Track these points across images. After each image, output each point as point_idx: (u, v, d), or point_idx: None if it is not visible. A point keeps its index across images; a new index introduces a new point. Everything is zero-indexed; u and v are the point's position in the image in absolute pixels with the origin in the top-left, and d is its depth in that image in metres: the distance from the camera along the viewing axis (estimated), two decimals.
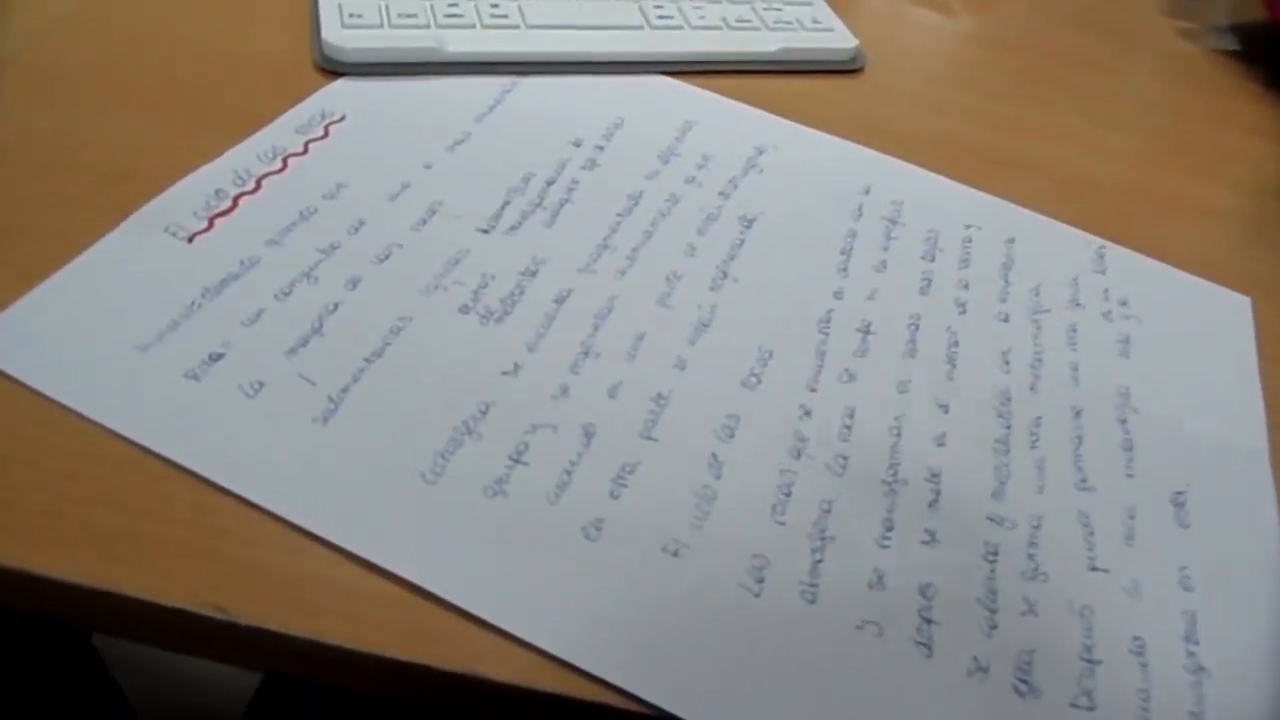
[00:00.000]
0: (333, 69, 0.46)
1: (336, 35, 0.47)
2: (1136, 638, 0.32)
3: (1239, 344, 0.44)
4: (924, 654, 0.30)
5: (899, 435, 0.36)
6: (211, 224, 0.38)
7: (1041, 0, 0.68)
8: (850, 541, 0.32)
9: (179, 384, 0.32)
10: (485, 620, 0.29)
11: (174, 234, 0.37)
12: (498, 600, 0.29)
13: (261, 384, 0.33)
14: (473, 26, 0.49)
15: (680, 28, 0.52)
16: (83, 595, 0.28)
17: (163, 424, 0.31)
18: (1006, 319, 0.42)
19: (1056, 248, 0.46)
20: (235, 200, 0.39)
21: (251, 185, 0.40)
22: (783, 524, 0.33)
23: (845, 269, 0.42)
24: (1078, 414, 0.38)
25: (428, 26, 0.48)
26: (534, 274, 0.39)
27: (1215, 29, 0.68)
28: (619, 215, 0.42)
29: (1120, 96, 0.60)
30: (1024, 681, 0.30)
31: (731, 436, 0.35)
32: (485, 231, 0.40)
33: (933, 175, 0.49)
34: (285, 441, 0.32)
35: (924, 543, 0.33)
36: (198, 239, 0.37)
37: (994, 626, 0.31)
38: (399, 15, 0.48)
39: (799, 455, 0.35)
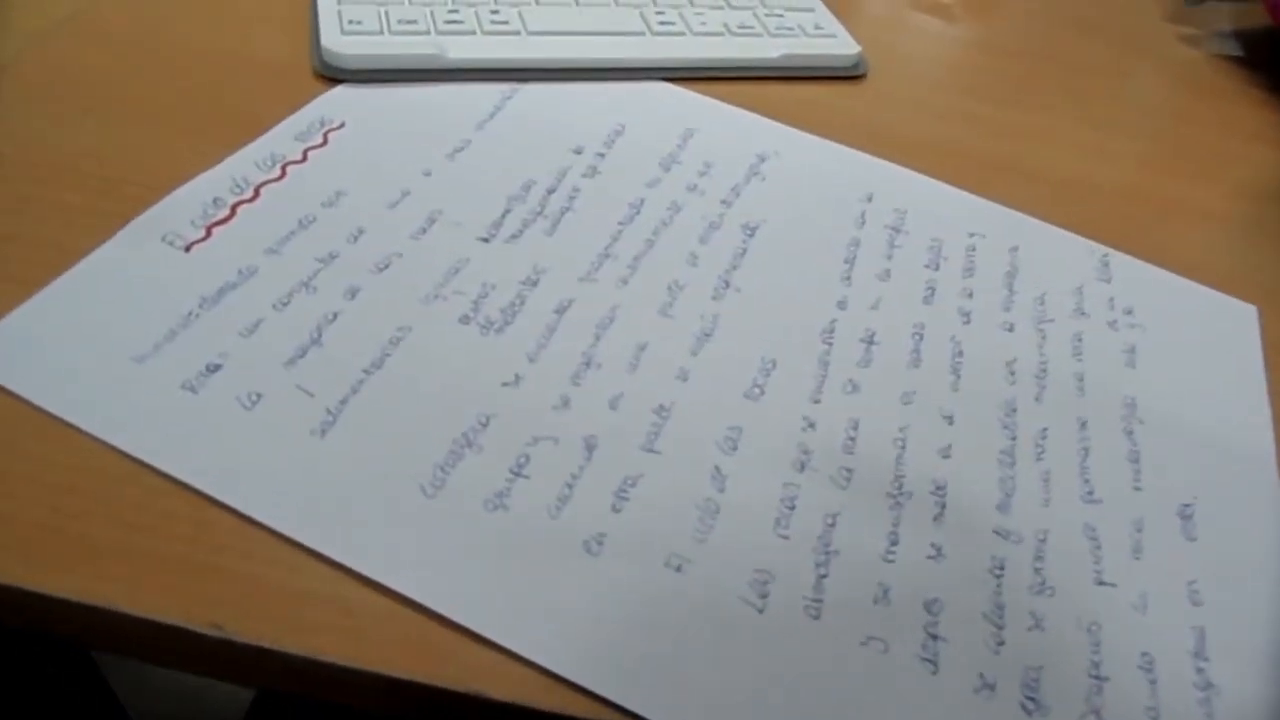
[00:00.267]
0: (332, 75, 0.46)
1: (336, 42, 0.46)
2: (1145, 654, 0.31)
3: (1245, 353, 0.43)
4: (930, 670, 0.30)
5: (903, 447, 0.36)
6: (209, 233, 0.38)
7: (1042, 5, 0.68)
8: (855, 556, 0.32)
9: (176, 396, 0.32)
10: (486, 637, 0.28)
11: (171, 243, 0.37)
12: (498, 616, 0.29)
13: (259, 396, 0.33)
14: (473, 33, 0.49)
15: (682, 34, 0.52)
16: (79, 611, 0.28)
17: (159, 437, 0.31)
18: (1011, 328, 0.41)
19: (1060, 255, 0.46)
20: (233, 209, 0.39)
21: (250, 193, 0.39)
22: (786, 538, 0.32)
23: (848, 278, 0.42)
24: (1083, 425, 0.38)
25: (428, 33, 0.48)
26: (535, 283, 0.38)
27: (1217, 34, 0.68)
28: (620, 224, 0.42)
29: (1123, 102, 0.59)
30: (1031, 699, 0.30)
31: (734, 449, 0.34)
32: (485, 240, 0.40)
33: (936, 182, 0.48)
34: (283, 454, 0.31)
35: (929, 557, 0.33)
36: (195, 248, 0.37)
37: (1001, 643, 0.31)
38: (399, 22, 0.48)
39: (802, 468, 0.34)
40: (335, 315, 0.36)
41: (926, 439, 0.36)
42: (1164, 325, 0.43)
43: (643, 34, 0.51)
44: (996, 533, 0.34)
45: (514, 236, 0.40)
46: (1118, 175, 0.52)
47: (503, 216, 0.41)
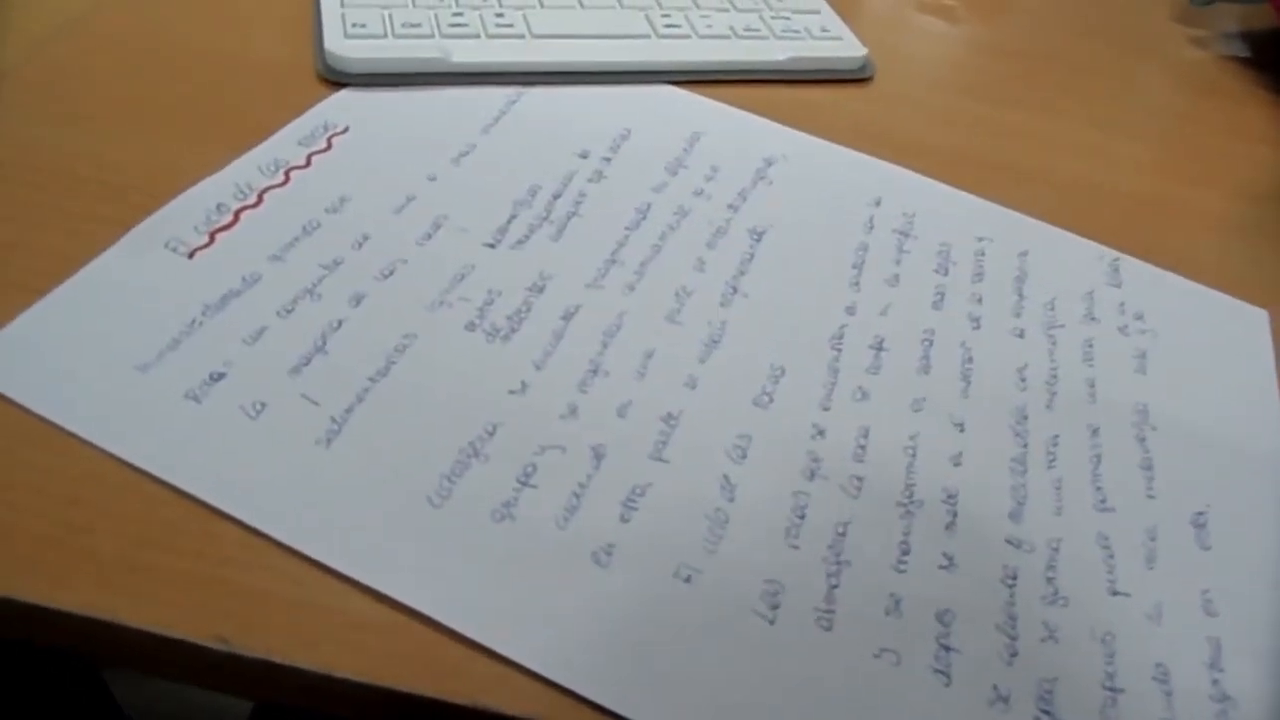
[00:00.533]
0: (336, 79, 0.46)
1: (339, 45, 0.46)
2: (1159, 665, 0.31)
3: (1257, 358, 0.43)
4: (943, 682, 0.29)
5: (914, 455, 0.35)
6: (213, 239, 0.37)
7: (1047, 6, 0.68)
8: (866, 566, 0.32)
9: (179, 405, 0.32)
10: (493, 649, 0.28)
11: (174, 249, 0.37)
12: (505, 628, 0.28)
13: (264, 405, 0.32)
14: (477, 36, 0.48)
15: (688, 37, 0.52)
16: (82, 625, 0.27)
17: (163, 447, 0.31)
18: (1021, 334, 0.41)
19: (1070, 260, 0.45)
20: (237, 214, 0.38)
21: (253, 199, 0.39)
22: (797, 548, 0.32)
23: (857, 283, 0.42)
24: (1095, 432, 0.38)
25: (432, 36, 0.48)
26: (541, 289, 0.38)
27: (1225, 35, 0.68)
28: (627, 229, 0.42)
29: (1130, 104, 0.59)
30: (1046, 712, 0.29)
31: (744, 457, 0.34)
32: (491, 246, 0.39)
33: (943, 186, 0.48)
34: (288, 464, 0.31)
35: (941, 567, 0.32)
36: (198, 254, 0.37)
37: (1014, 654, 0.30)
38: (403, 25, 0.48)
39: (812, 476, 0.34)
40: (340, 323, 0.35)
41: (937, 447, 0.36)
42: (1175, 330, 0.43)
43: (648, 37, 0.51)
44: (1009, 542, 0.33)
45: (520, 242, 0.40)
46: (1126, 178, 0.52)
47: (508, 222, 0.41)
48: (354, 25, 0.47)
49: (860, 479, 0.34)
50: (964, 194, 0.48)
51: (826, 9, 0.56)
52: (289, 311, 0.35)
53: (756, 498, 0.33)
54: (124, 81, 0.44)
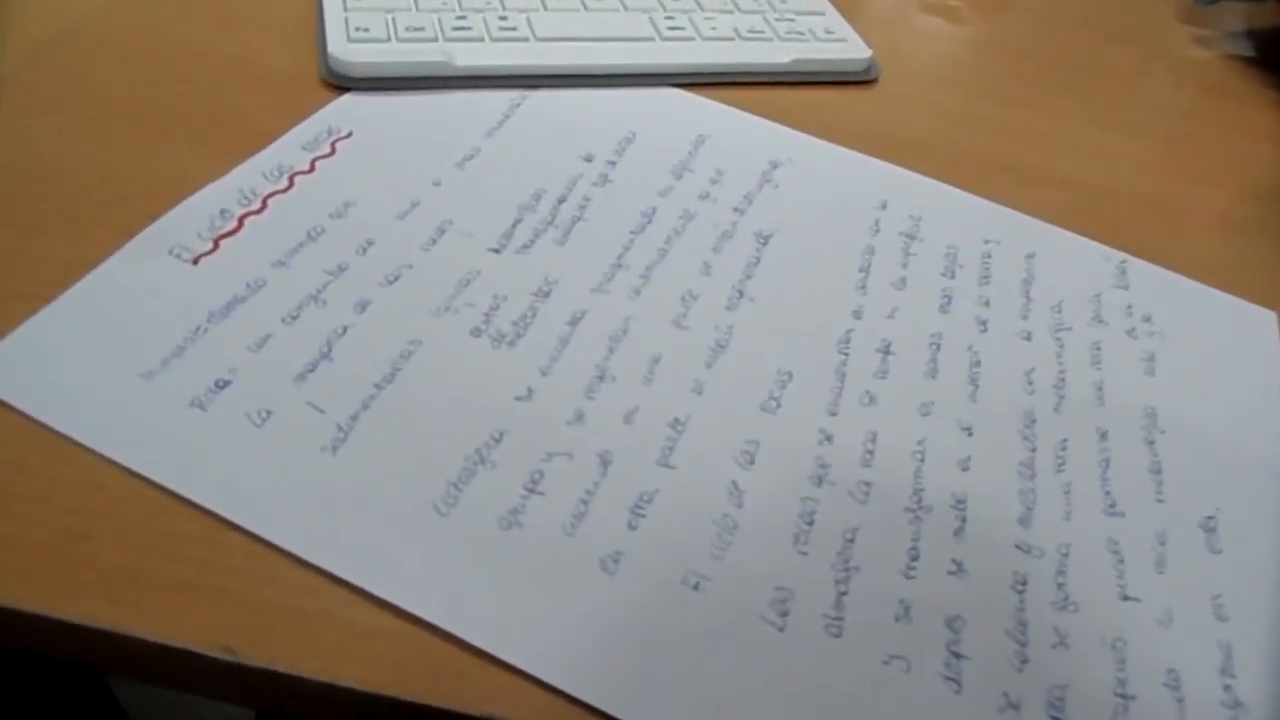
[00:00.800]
0: (339, 83, 0.46)
1: (343, 49, 0.46)
2: (1171, 671, 0.31)
3: (1265, 359, 0.43)
4: (953, 690, 0.29)
5: (922, 460, 0.35)
6: (217, 245, 0.37)
7: (1051, 6, 0.67)
8: (875, 572, 0.32)
9: (184, 413, 0.32)
10: (501, 658, 0.28)
11: (178, 256, 0.36)
12: (513, 637, 0.28)
13: (269, 412, 0.32)
14: (481, 39, 0.48)
15: (692, 39, 0.51)
16: (86, 635, 0.27)
17: (168, 455, 0.30)
18: (1029, 337, 0.41)
19: (1077, 262, 0.45)
20: (241, 220, 0.38)
21: (258, 205, 0.39)
22: (805, 554, 0.32)
23: (864, 287, 0.41)
24: (1104, 436, 0.38)
25: (435, 40, 0.47)
26: (547, 295, 0.38)
27: (1230, 34, 0.67)
28: (632, 233, 0.41)
29: (1135, 104, 0.59)
30: (1057, 719, 0.29)
31: (751, 463, 0.34)
32: (496, 251, 0.39)
33: (949, 188, 0.48)
34: (294, 472, 0.31)
35: (951, 573, 0.32)
36: (203, 261, 0.36)
37: (1024, 660, 0.30)
38: (406, 29, 0.48)
39: (820, 482, 0.34)
40: (345, 329, 0.35)
41: (945, 451, 0.36)
42: (1183, 332, 0.43)
43: (652, 39, 0.51)
44: (1018, 547, 0.33)
45: (525, 247, 0.40)
46: (1132, 179, 0.52)
47: (513, 226, 0.40)
48: (357, 29, 0.47)
49: (868, 484, 0.34)
50: (970, 196, 0.47)
51: (831, 10, 0.56)
52: (294, 318, 0.35)
53: (764, 504, 0.33)
54: (127, 87, 0.44)
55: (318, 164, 0.41)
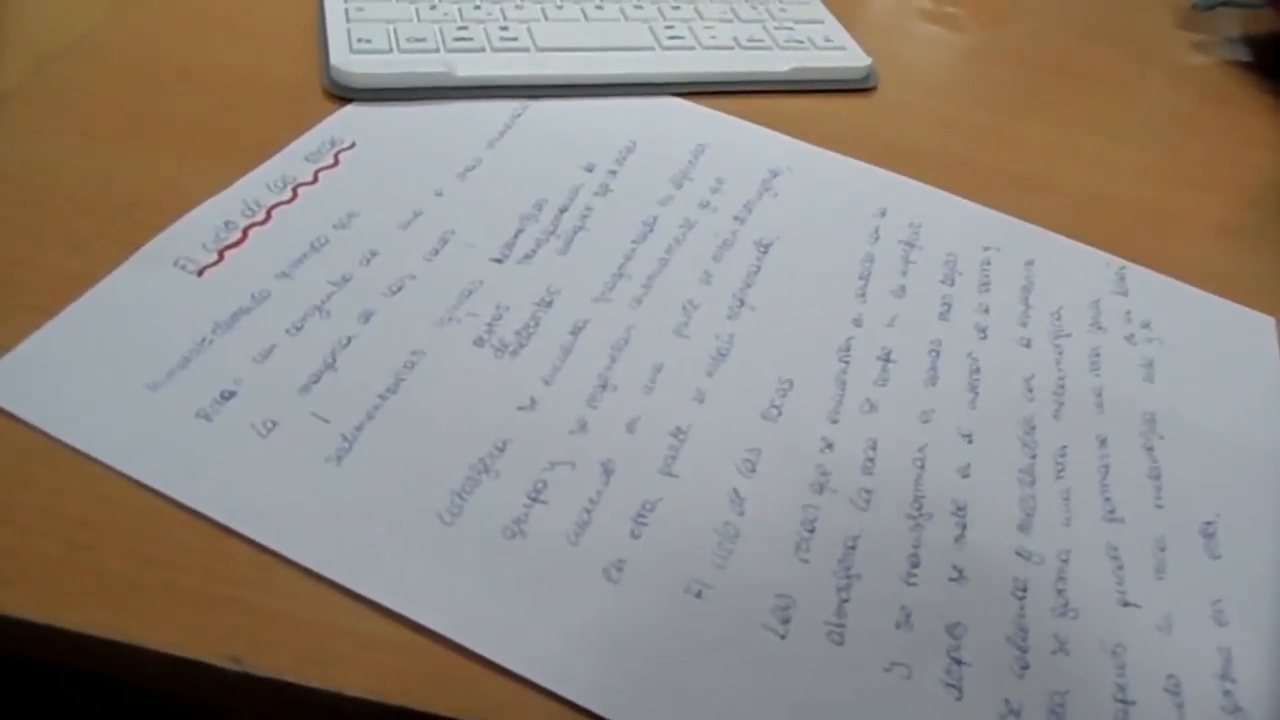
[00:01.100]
0: (342, 94, 0.46)
1: (345, 60, 0.46)
2: (1171, 676, 0.31)
3: (1264, 365, 0.43)
4: (954, 696, 0.29)
5: (922, 467, 0.35)
6: (221, 256, 0.37)
7: (1050, 13, 0.68)
8: (876, 579, 0.32)
9: (190, 424, 0.32)
10: (505, 667, 0.28)
11: (183, 267, 0.37)
12: (518, 646, 0.28)
13: (274, 423, 0.32)
14: (482, 50, 0.49)
15: (692, 48, 0.52)
16: (94, 646, 0.27)
17: (174, 466, 0.31)
18: (1028, 344, 0.41)
19: (1076, 269, 0.45)
20: (245, 232, 0.38)
21: (261, 216, 0.39)
22: (807, 561, 0.32)
23: (864, 294, 0.42)
24: (1103, 442, 0.38)
25: (437, 50, 0.48)
26: (549, 304, 0.38)
27: (1227, 40, 0.68)
28: (633, 242, 0.42)
29: (1134, 111, 0.59)
30: None
31: (753, 471, 0.34)
32: (499, 261, 0.40)
33: (948, 195, 0.48)
34: (299, 483, 0.31)
35: (951, 580, 0.32)
36: (207, 272, 0.37)
37: (1025, 667, 0.30)
38: (408, 39, 0.48)
39: (821, 490, 0.34)
40: (349, 339, 0.35)
41: (945, 458, 0.36)
42: (1181, 338, 0.43)
43: (652, 49, 0.51)
44: (1018, 554, 0.34)
45: (527, 257, 0.40)
46: (1130, 185, 0.52)
47: (515, 236, 0.41)
48: (359, 41, 0.47)
49: (869, 492, 0.34)
50: (969, 203, 0.48)
51: (830, 19, 0.56)
52: (298, 329, 0.35)
53: (766, 512, 0.33)
54: (129, 100, 0.44)
55: (321, 175, 0.42)
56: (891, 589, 0.32)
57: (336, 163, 0.42)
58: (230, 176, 0.41)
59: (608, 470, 0.33)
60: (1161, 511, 0.36)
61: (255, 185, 0.40)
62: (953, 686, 0.30)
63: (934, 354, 0.40)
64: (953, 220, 0.46)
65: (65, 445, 0.31)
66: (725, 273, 0.41)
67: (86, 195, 0.39)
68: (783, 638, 0.30)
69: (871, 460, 0.35)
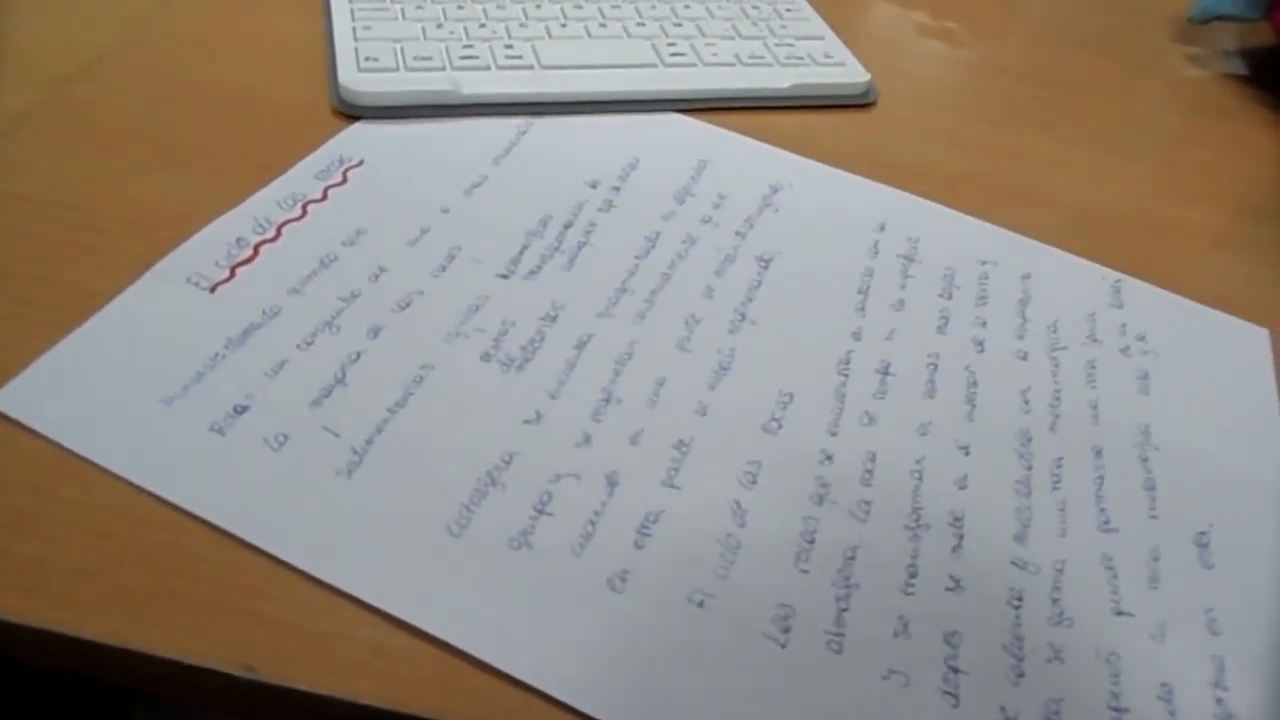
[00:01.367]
0: (350, 112, 0.47)
1: (353, 79, 0.47)
2: (1164, 684, 0.32)
3: (1258, 377, 0.44)
4: (951, 704, 0.30)
5: (920, 479, 0.36)
6: (233, 273, 0.38)
7: (1046, 27, 0.69)
8: (874, 589, 0.32)
9: (204, 438, 0.33)
10: (514, 676, 0.29)
11: (196, 284, 0.38)
12: (525, 655, 0.29)
13: (286, 436, 0.33)
14: (488, 68, 0.49)
15: (693, 65, 0.53)
16: (113, 655, 0.28)
17: (189, 480, 0.31)
18: (1025, 357, 0.42)
19: (1072, 282, 0.46)
20: (256, 249, 0.39)
21: (272, 233, 0.40)
22: (807, 571, 0.33)
23: (863, 308, 0.42)
24: (1098, 454, 0.38)
25: (443, 69, 0.49)
26: (554, 319, 0.39)
27: (1223, 53, 0.68)
28: (636, 257, 0.42)
29: (1130, 124, 0.60)
30: None
31: (754, 483, 0.35)
32: (504, 276, 0.40)
33: (947, 210, 0.49)
34: (311, 495, 0.32)
35: (949, 589, 0.33)
36: (220, 289, 0.38)
37: (1021, 675, 0.31)
38: (414, 58, 0.49)
39: (821, 501, 0.35)
40: (359, 355, 0.36)
41: (943, 470, 0.37)
42: (1176, 351, 0.44)
43: (655, 66, 0.52)
44: (1014, 563, 0.34)
45: (532, 272, 0.41)
46: (1127, 199, 0.53)
47: (521, 252, 0.42)
48: (367, 59, 0.48)
49: (868, 503, 0.35)
50: (967, 217, 0.49)
51: (830, 35, 0.57)
52: (309, 344, 0.36)
53: (767, 523, 0.34)
54: (144, 119, 0.45)
55: (330, 192, 0.42)
56: (890, 599, 0.32)
57: (345, 180, 0.43)
58: (241, 194, 0.41)
59: (612, 482, 0.34)
60: (1156, 522, 0.37)
61: (266, 203, 0.41)
62: (949, 694, 0.30)
63: (932, 367, 0.40)
64: (951, 234, 0.47)
65: (83, 459, 0.32)
66: (727, 287, 0.42)
67: (102, 213, 0.40)
68: (783, 646, 0.31)
69: (870, 472, 0.36)
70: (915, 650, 0.31)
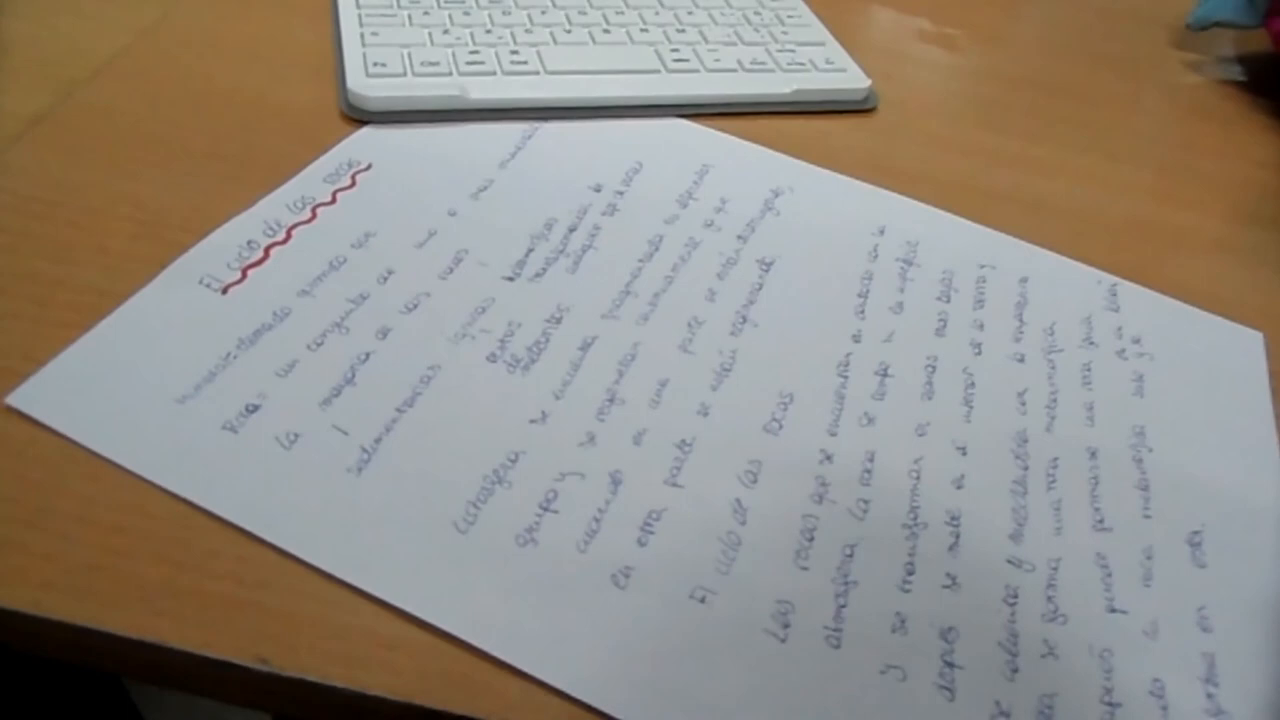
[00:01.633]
0: (358, 117, 0.47)
1: (361, 84, 0.48)
2: (1156, 680, 0.32)
3: (1252, 380, 0.44)
4: (947, 698, 0.31)
5: (918, 478, 0.37)
6: (245, 275, 0.39)
7: (1046, 34, 0.69)
8: (872, 586, 0.33)
9: (217, 436, 0.33)
10: (520, 669, 0.29)
11: (208, 285, 0.38)
12: (530, 648, 0.30)
13: (297, 435, 0.34)
14: (494, 73, 0.50)
15: (696, 71, 0.53)
16: (129, 647, 0.29)
17: (202, 476, 0.32)
18: (1022, 359, 0.43)
19: (1069, 286, 0.47)
20: (267, 251, 0.40)
21: (282, 236, 0.41)
22: (806, 569, 0.33)
23: (862, 311, 0.43)
24: (1093, 454, 0.39)
25: (450, 74, 0.49)
26: (559, 321, 0.40)
27: (1221, 60, 0.69)
28: (640, 261, 0.43)
29: (1128, 130, 0.60)
30: None
31: (755, 482, 0.35)
32: (510, 279, 0.41)
33: (946, 214, 0.49)
34: (321, 492, 0.32)
35: (945, 586, 0.34)
36: (231, 290, 0.38)
37: (1015, 670, 0.32)
38: (422, 63, 0.50)
39: (820, 500, 0.35)
40: (367, 355, 0.37)
41: (940, 470, 0.37)
42: (1172, 353, 0.44)
43: (658, 71, 0.53)
44: (1010, 562, 0.35)
45: (538, 275, 0.42)
46: (1124, 204, 0.53)
47: (526, 255, 0.42)
48: (375, 64, 0.49)
49: (866, 502, 0.36)
50: (966, 222, 0.49)
51: (831, 41, 0.58)
52: (319, 345, 0.37)
53: (767, 521, 0.34)
54: (155, 122, 0.46)
55: (339, 196, 0.43)
56: (887, 595, 0.33)
57: (354, 184, 0.44)
58: (252, 197, 0.42)
59: (616, 481, 0.34)
60: (1149, 522, 0.37)
61: (276, 206, 0.42)
62: (945, 689, 0.31)
63: (930, 369, 0.41)
64: (949, 238, 0.48)
65: (98, 456, 0.32)
66: (729, 290, 0.43)
67: (114, 215, 0.41)
68: (783, 641, 0.31)
69: (869, 472, 0.37)
70: (912, 645, 0.32)
